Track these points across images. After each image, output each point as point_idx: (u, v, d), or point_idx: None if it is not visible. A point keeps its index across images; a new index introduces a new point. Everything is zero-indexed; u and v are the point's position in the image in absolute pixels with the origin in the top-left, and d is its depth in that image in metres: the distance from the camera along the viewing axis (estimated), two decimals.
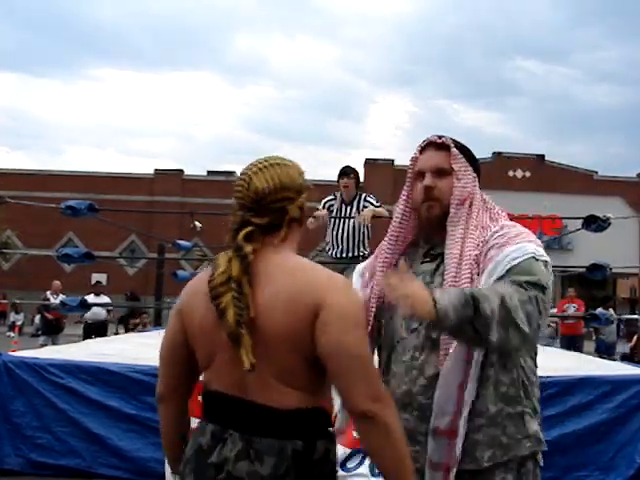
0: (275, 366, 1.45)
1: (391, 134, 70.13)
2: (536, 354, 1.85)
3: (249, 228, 1.52)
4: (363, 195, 5.68)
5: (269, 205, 1.55)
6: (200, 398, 1.63)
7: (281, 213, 1.55)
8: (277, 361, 1.45)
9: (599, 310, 10.50)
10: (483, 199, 2.11)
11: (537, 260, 1.84)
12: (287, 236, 1.56)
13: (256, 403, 1.47)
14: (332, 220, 5.60)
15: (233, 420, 1.49)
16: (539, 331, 1.68)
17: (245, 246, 1.48)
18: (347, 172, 5.62)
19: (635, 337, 11.83)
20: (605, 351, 10.88)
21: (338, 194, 5.71)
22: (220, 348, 1.48)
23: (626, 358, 10.16)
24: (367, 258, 4.95)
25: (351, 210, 5.61)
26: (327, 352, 1.42)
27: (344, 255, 5.55)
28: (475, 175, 2.09)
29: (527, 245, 1.87)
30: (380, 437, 1.42)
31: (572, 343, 10.56)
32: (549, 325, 12.02)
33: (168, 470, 1.85)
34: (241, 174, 1.68)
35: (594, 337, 11.61)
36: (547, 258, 1.92)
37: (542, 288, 1.72)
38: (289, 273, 1.48)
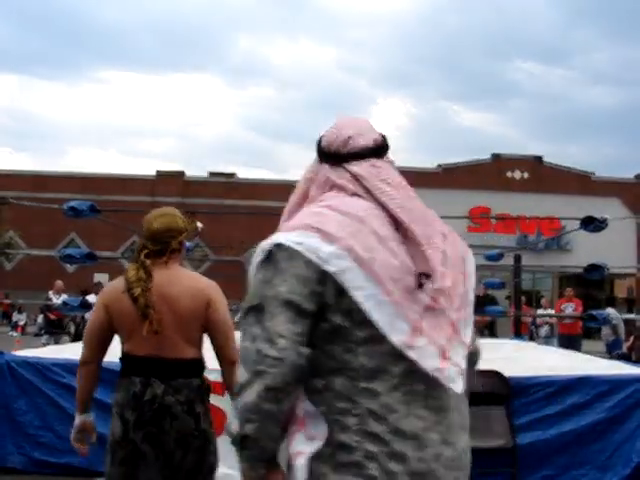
0: (184, 332, 2.45)
1: (391, 135, 70.05)
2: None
3: (146, 250, 2.49)
4: None
5: (160, 239, 2.52)
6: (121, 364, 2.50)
7: (167, 243, 2.53)
8: (186, 329, 2.45)
9: (609, 310, 10.55)
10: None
11: (264, 260, 1.39)
12: (169, 259, 2.53)
13: (169, 358, 2.42)
14: None
15: (154, 372, 2.41)
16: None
17: (145, 260, 2.46)
18: None
19: (632, 337, 11.86)
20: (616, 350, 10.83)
21: None
22: (138, 326, 2.39)
23: (624, 357, 10.19)
24: None
25: None
26: (215, 324, 2.47)
27: None
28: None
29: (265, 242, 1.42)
30: (234, 374, 1.87)
31: (570, 342, 10.58)
32: (547, 324, 12.05)
33: None
34: (146, 218, 2.59)
35: (608, 340, 11.54)
36: (290, 245, 1.37)
37: (256, 307, 1.35)
38: (188, 279, 2.54)
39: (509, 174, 28.16)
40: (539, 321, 12.15)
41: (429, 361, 1.35)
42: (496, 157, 28.47)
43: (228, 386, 2.47)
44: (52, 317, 10.98)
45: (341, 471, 1.32)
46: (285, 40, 73.09)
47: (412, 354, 1.34)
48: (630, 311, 24.07)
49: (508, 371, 4.62)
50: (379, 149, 1.60)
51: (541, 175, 27.93)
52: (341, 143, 1.57)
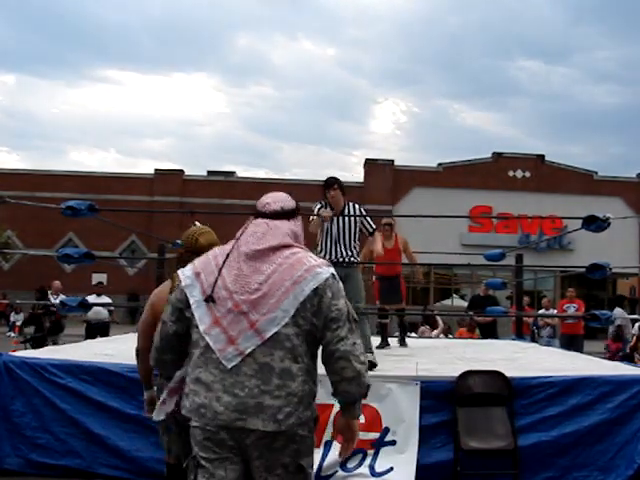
0: None
1: (392, 134, 70.12)
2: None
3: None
4: (352, 204, 5.58)
5: (203, 251, 2.62)
6: None
7: None
8: None
9: (617, 310, 10.48)
10: None
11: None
12: None
13: None
14: (324, 226, 5.51)
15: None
16: None
17: None
18: (331, 183, 5.47)
19: (635, 337, 11.81)
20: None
21: (325, 203, 5.57)
22: None
23: (626, 358, 10.15)
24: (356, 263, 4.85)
25: (344, 218, 5.51)
26: None
27: (333, 260, 5.45)
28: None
29: None
30: None
31: (572, 343, 10.55)
32: (548, 325, 12.00)
33: None
34: (189, 233, 3.26)
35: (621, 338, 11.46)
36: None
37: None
38: None
39: (511, 173, 28.11)
40: (541, 322, 12.09)
41: (217, 344, 2.17)
42: (498, 156, 28.42)
43: None
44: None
45: (184, 397, 2.25)
46: (285, 39, 73.11)
47: (207, 337, 2.19)
48: (633, 311, 24.05)
49: (509, 372, 4.59)
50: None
51: (543, 174, 27.88)
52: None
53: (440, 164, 28.54)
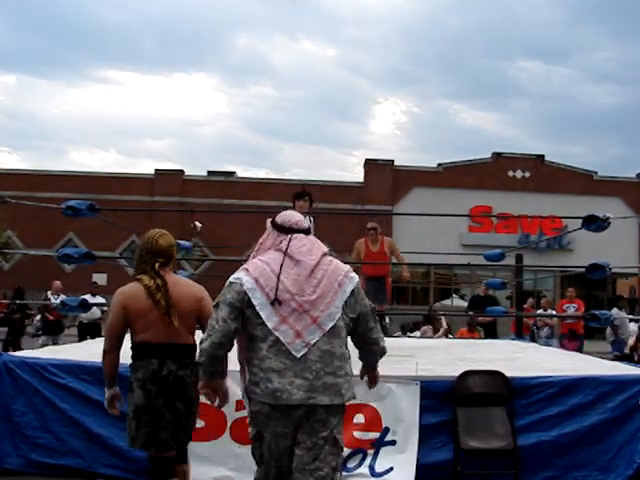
0: (187, 324, 3.35)
1: (392, 134, 70.10)
2: None
3: (157, 263, 3.36)
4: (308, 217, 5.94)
5: (166, 254, 3.41)
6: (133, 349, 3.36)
7: (170, 257, 3.45)
8: (188, 322, 3.35)
9: (614, 310, 10.47)
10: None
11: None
12: (172, 267, 3.46)
13: (178, 343, 3.31)
14: None
15: (167, 354, 3.28)
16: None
17: (159, 271, 3.34)
18: (303, 195, 6.18)
19: (634, 337, 11.81)
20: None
21: None
22: (154, 320, 3.27)
23: (626, 358, 10.15)
24: None
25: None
26: (205, 316, 3.22)
27: None
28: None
29: None
30: None
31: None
32: (547, 325, 12.00)
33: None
34: (149, 236, 3.44)
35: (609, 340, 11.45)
36: (230, 279, 2.78)
37: (215, 306, 2.76)
38: (186, 284, 3.48)
39: (510, 173, 28.11)
40: (539, 322, 12.09)
41: (286, 338, 2.66)
42: (497, 156, 28.41)
43: None
44: (50, 318, 10.94)
45: (252, 385, 2.72)
46: (285, 39, 73.05)
47: (276, 333, 2.66)
48: (633, 311, 24.04)
49: (509, 372, 4.59)
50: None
51: (543, 174, 27.87)
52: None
53: (440, 164, 28.53)
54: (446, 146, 70.77)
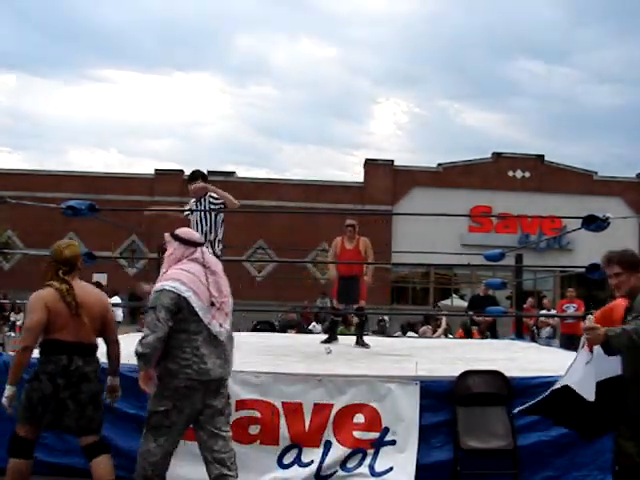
0: (93, 325, 3.82)
1: (393, 134, 70.09)
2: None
3: (62, 270, 3.81)
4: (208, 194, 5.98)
5: (70, 262, 3.85)
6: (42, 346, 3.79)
7: (74, 265, 3.87)
8: (94, 323, 3.82)
9: None
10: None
11: (155, 292, 3.49)
12: (77, 274, 3.87)
13: (86, 342, 3.78)
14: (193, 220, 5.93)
15: (76, 351, 3.73)
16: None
17: (65, 277, 3.79)
18: (196, 177, 5.99)
19: None
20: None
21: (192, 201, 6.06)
22: (66, 320, 3.71)
23: None
24: (219, 256, 5.27)
25: (201, 205, 5.92)
26: (109, 321, 3.96)
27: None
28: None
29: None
30: (118, 348, 4.02)
31: (572, 342, 10.55)
32: (548, 325, 12.00)
33: None
34: (56, 247, 3.92)
35: None
36: (164, 287, 3.49)
37: (153, 308, 3.43)
38: (93, 290, 3.98)
39: (510, 173, 28.11)
40: (540, 322, 12.09)
41: (214, 329, 3.51)
42: (497, 156, 28.41)
43: (116, 358, 4.01)
44: None
45: (184, 368, 3.46)
46: (286, 39, 73.03)
47: (210, 327, 3.50)
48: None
49: (509, 372, 4.60)
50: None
51: (543, 174, 27.87)
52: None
53: (440, 164, 28.54)
54: (446, 146, 70.81)
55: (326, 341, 7.54)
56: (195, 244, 3.71)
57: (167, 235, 3.74)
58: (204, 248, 3.75)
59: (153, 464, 3.55)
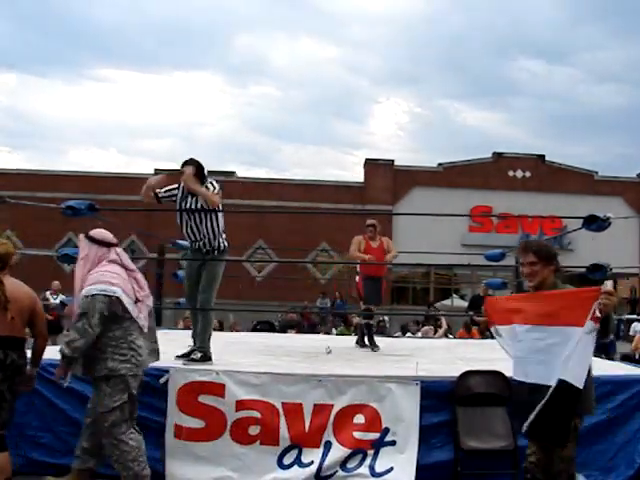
0: (23, 320, 3.94)
1: (393, 134, 70.08)
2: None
3: None
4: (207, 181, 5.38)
5: (2, 260, 4.01)
6: None
7: (6, 263, 4.04)
8: (23, 318, 3.94)
9: None
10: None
11: (85, 297, 3.74)
12: (8, 271, 4.03)
13: (18, 336, 3.90)
14: (178, 213, 5.42)
15: (9, 345, 3.83)
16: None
17: None
18: (187, 163, 5.36)
19: (636, 337, 11.80)
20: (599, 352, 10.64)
21: (181, 186, 5.45)
22: None
23: (627, 358, 10.14)
24: (224, 252, 5.70)
25: (196, 202, 5.35)
26: (38, 315, 4.07)
27: (197, 248, 5.37)
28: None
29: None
30: (45, 343, 4.18)
31: None
32: None
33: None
34: None
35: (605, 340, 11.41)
36: (93, 292, 3.74)
37: (84, 314, 3.70)
38: (22, 286, 4.05)
39: (511, 173, 28.10)
40: None
41: (141, 322, 3.91)
42: (498, 156, 28.39)
43: (41, 351, 4.11)
44: (49, 317, 10.94)
45: (123, 362, 3.84)
46: (286, 39, 73.03)
47: (138, 321, 3.88)
48: (633, 311, 24.02)
49: (509, 371, 4.58)
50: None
51: (543, 174, 27.85)
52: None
53: (440, 164, 28.52)
54: (447, 146, 70.80)
55: (364, 344, 7.37)
56: (109, 244, 3.96)
57: (81, 236, 3.98)
58: (119, 249, 4.01)
59: (138, 457, 3.82)
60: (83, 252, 3.92)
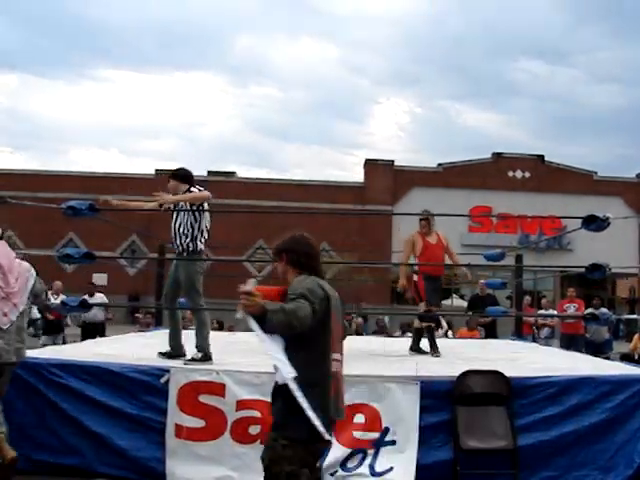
0: None
1: (394, 135, 70.03)
2: None
3: None
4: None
5: None
6: None
7: None
8: None
9: (602, 310, 10.48)
10: None
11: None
12: None
13: None
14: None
15: None
16: None
17: None
18: (173, 176, 5.82)
19: (635, 337, 11.82)
20: (594, 351, 10.61)
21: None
22: None
23: (626, 358, 10.16)
24: (196, 254, 5.45)
25: (174, 207, 5.63)
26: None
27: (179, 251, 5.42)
28: None
29: None
30: None
31: (572, 342, 10.55)
32: (546, 325, 11.99)
33: None
34: None
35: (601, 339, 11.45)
36: None
37: None
38: None
39: (510, 173, 28.12)
40: (538, 322, 12.08)
41: None
42: (497, 156, 28.42)
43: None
44: (51, 318, 10.94)
45: None
46: (286, 39, 72.99)
47: None
48: (632, 311, 24.06)
49: (509, 372, 4.60)
50: None
51: (543, 174, 27.88)
52: None
53: (440, 164, 28.54)
54: (447, 146, 70.77)
55: (421, 350, 6.66)
56: None
57: None
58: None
59: None
60: None
